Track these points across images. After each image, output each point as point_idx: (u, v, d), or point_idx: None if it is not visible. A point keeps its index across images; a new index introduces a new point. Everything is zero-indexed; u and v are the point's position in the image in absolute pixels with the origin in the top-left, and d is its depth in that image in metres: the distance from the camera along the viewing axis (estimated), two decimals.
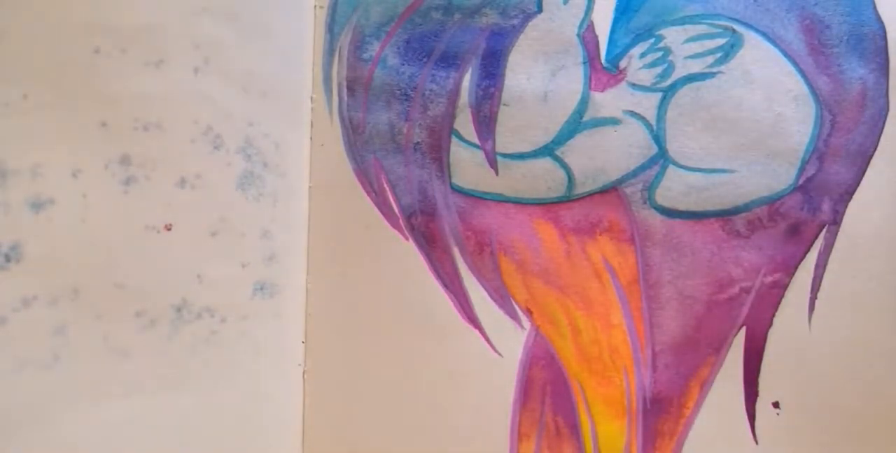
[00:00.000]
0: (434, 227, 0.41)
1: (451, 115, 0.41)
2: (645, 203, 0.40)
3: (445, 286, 0.41)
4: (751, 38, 0.40)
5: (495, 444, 0.40)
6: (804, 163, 0.39)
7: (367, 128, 0.42)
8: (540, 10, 0.41)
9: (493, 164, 0.41)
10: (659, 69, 0.40)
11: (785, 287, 0.40)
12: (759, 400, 0.39)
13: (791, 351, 0.39)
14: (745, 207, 0.40)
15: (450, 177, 0.41)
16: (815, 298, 0.39)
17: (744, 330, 0.40)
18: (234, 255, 0.38)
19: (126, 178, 0.34)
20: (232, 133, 0.38)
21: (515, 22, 0.41)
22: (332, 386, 0.41)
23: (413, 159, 0.41)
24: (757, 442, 0.39)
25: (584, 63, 0.41)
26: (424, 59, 0.41)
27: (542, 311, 0.41)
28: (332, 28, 0.42)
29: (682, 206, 0.40)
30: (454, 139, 0.41)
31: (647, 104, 0.40)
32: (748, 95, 0.40)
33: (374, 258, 0.41)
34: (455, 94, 0.41)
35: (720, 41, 0.40)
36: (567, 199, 0.41)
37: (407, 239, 0.41)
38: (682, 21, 0.40)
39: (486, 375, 0.41)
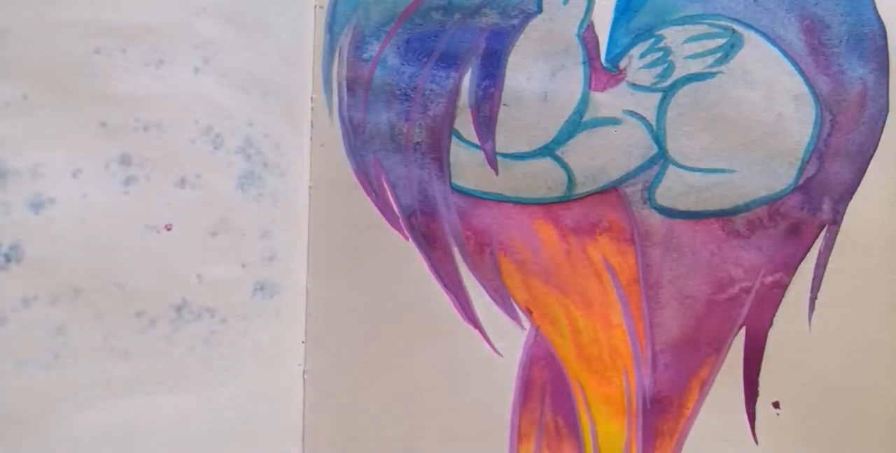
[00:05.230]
0: (434, 227, 0.41)
1: (451, 115, 0.41)
2: (645, 203, 0.40)
3: (445, 286, 0.41)
4: (751, 38, 0.40)
5: (495, 444, 0.40)
6: (804, 163, 0.39)
7: (367, 128, 0.42)
8: (540, 10, 0.41)
9: (493, 164, 0.41)
10: (659, 69, 0.40)
11: (785, 287, 0.40)
12: (759, 400, 0.39)
13: (791, 351, 0.39)
14: (745, 207, 0.40)
15: (450, 177, 0.41)
16: (815, 298, 0.39)
17: (744, 330, 0.40)
18: (234, 255, 0.38)
19: (126, 178, 0.34)
20: (232, 133, 0.38)
21: (515, 22, 0.41)
22: (332, 387, 0.41)
23: (413, 159, 0.41)
24: (757, 442, 0.39)
25: (584, 63, 0.41)
26: (424, 59, 0.41)
27: (542, 311, 0.41)
28: (332, 28, 0.42)
29: (682, 206, 0.40)
30: (454, 139, 0.41)
31: (647, 104, 0.40)
32: (748, 95, 0.40)
33: (374, 258, 0.41)
34: (455, 94, 0.41)
35: (720, 41, 0.40)
36: (567, 199, 0.41)
37: (407, 239, 0.41)
38: (682, 21, 0.40)
39: (486, 375, 0.41)
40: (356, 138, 0.42)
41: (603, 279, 0.41)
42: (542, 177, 0.41)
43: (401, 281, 0.41)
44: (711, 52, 0.40)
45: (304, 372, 0.41)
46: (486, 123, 0.41)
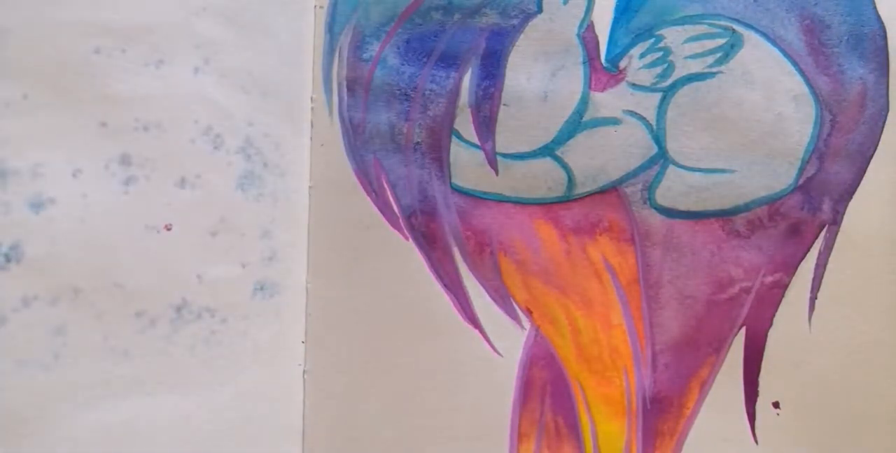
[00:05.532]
0: (434, 227, 0.41)
1: (451, 115, 0.41)
2: (645, 203, 0.40)
3: (445, 286, 0.41)
4: (751, 38, 0.40)
5: (495, 444, 0.40)
6: (804, 163, 0.39)
7: (367, 128, 0.42)
8: (540, 10, 0.41)
9: (493, 164, 0.41)
10: (659, 69, 0.40)
11: (785, 287, 0.40)
12: (759, 400, 0.39)
13: (791, 351, 0.39)
14: (745, 207, 0.40)
15: (450, 177, 0.41)
16: (815, 298, 0.39)
17: (744, 330, 0.40)
18: (234, 255, 0.38)
19: (126, 178, 0.34)
20: (232, 133, 0.38)
21: (515, 22, 0.41)
22: (332, 387, 0.41)
23: (413, 159, 0.41)
24: (757, 442, 0.39)
25: (584, 63, 0.41)
26: (424, 59, 0.41)
27: (542, 311, 0.41)
28: (332, 28, 0.42)
29: (682, 206, 0.40)
30: (454, 139, 0.41)
31: (647, 104, 0.40)
32: (748, 95, 0.40)
33: (374, 258, 0.41)
34: (455, 94, 0.41)
35: (720, 41, 0.40)
36: (567, 199, 0.41)
37: (407, 239, 0.41)
38: (682, 21, 0.40)
39: (486, 375, 0.41)
40: (356, 138, 0.42)
41: (603, 279, 0.41)
42: (542, 177, 0.41)
43: (401, 281, 0.41)
44: (711, 52, 0.40)
45: (304, 372, 0.41)
46: (486, 123, 0.41)
